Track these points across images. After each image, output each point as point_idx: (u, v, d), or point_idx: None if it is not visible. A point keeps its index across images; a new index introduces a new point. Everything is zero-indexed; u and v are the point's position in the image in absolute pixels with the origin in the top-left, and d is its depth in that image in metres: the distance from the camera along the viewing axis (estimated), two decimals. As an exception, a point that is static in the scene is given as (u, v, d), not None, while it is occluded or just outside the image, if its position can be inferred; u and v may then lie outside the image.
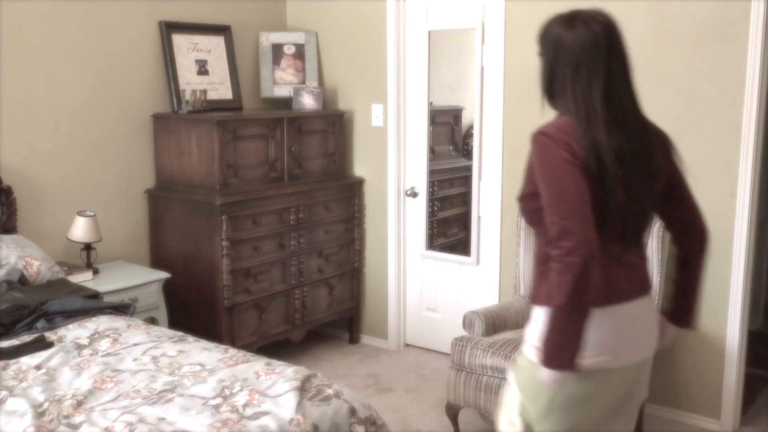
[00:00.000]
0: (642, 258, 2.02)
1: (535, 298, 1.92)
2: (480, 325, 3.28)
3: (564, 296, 1.71)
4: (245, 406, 2.17)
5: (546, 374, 1.80)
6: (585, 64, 1.90)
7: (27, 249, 3.22)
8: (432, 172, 4.38)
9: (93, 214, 3.62)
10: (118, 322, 2.86)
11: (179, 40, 4.14)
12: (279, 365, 2.45)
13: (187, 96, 4.00)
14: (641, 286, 1.97)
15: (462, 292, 4.32)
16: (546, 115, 3.87)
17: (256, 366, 2.43)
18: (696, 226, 2.22)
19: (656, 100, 3.46)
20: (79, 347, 2.61)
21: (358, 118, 4.46)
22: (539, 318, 1.86)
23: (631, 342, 1.91)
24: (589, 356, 1.81)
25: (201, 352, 2.56)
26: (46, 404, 2.17)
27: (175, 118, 3.98)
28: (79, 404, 2.19)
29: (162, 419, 2.09)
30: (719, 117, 3.32)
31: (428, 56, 4.23)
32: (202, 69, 4.24)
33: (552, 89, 1.94)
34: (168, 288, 3.80)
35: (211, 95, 4.20)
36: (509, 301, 3.54)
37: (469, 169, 4.22)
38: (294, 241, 4.13)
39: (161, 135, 4.03)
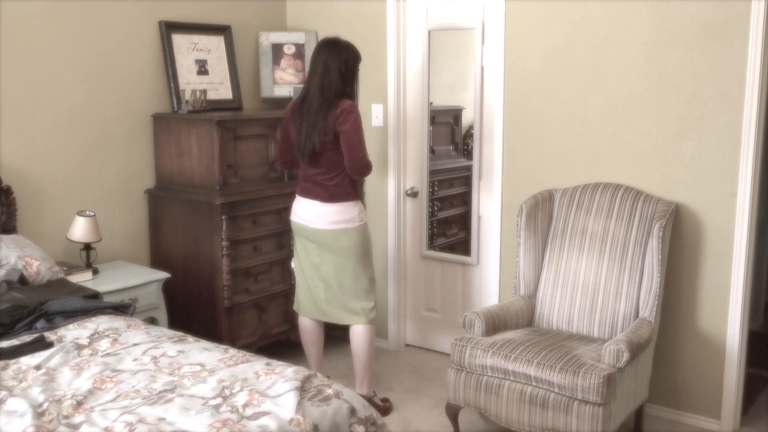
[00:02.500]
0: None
1: (343, 197, 3.49)
2: (480, 325, 3.28)
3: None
4: (245, 406, 2.17)
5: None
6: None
7: (27, 249, 3.22)
8: (432, 172, 4.38)
9: (93, 214, 3.62)
10: (117, 322, 2.86)
11: (179, 40, 4.14)
12: (279, 365, 2.45)
13: (187, 96, 4.00)
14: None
15: (462, 292, 4.32)
16: (545, 115, 3.86)
17: (256, 366, 2.42)
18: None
19: (656, 100, 3.46)
20: (79, 347, 2.61)
21: (358, 118, 4.46)
22: (350, 206, 3.52)
23: None
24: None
25: (201, 352, 2.56)
26: (46, 404, 2.17)
27: (175, 118, 3.98)
28: (79, 404, 2.19)
29: (162, 419, 2.09)
30: (719, 117, 3.32)
31: (428, 56, 4.23)
32: (202, 69, 4.24)
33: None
34: (168, 288, 3.80)
35: (211, 95, 4.20)
36: (509, 301, 3.54)
37: (469, 169, 4.22)
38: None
39: (161, 135, 4.03)
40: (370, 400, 3.54)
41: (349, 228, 3.51)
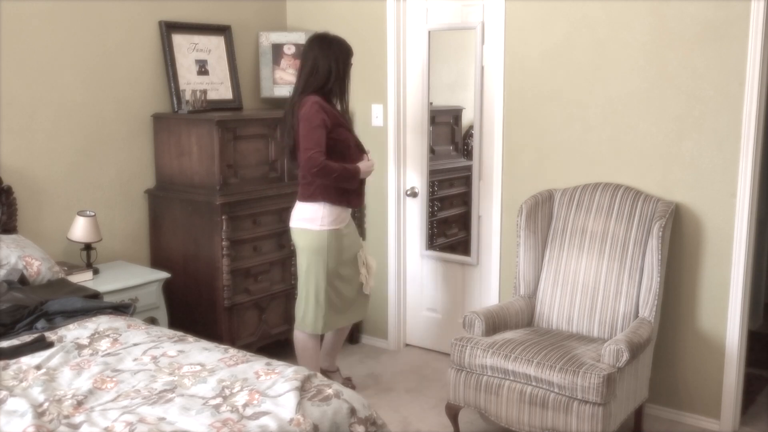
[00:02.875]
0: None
1: (311, 198, 3.41)
2: (480, 325, 3.28)
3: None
4: (245, 406, 2.17)
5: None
6: None
7: (27, 249, 3.22)
8: (432, 172, 4.38)
9: (93, 214, 3.62)
10: (118, 322, 2.86)
11: (179, 40, 4.14)
12: (279, 365, 2.45)
13: (187, 96, 4.00)
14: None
15: (462, 292, 4.32)
16: (545, 115, 3.86)
17: (256, 366, 2.43)
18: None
19: (656, 100, 3.47)
20: (79, 347, 2.61)
21: (358, 118, 4.46)
22: (316, 207, 3.41)
23: None
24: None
25: (201, 352, 2.56)
26: (46, 404, 2.17)
27: (175, 118, 3.98)
28: (79, 404, 2.19)
29: (162, 419, 2.09)
30: (719, 117, 3.32)
31: (428, 56, 4.23)
32: (202, 69, 4.24)
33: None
34: (168, 288, 3.80)
35: (211, 95, 4.20)
36: (509, 301, 3.54)
37: (469, 169, 4.22)
38: (294, 241, 4.13)
39: (161, 135, 4.03)
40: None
41: (307, 229, 3.44)
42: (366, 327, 4.60)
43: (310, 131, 3.29)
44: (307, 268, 3.50)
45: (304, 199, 3.45)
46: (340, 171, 3.35)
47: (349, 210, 3.55)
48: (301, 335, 3.60)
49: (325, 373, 3.83)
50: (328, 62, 3.41)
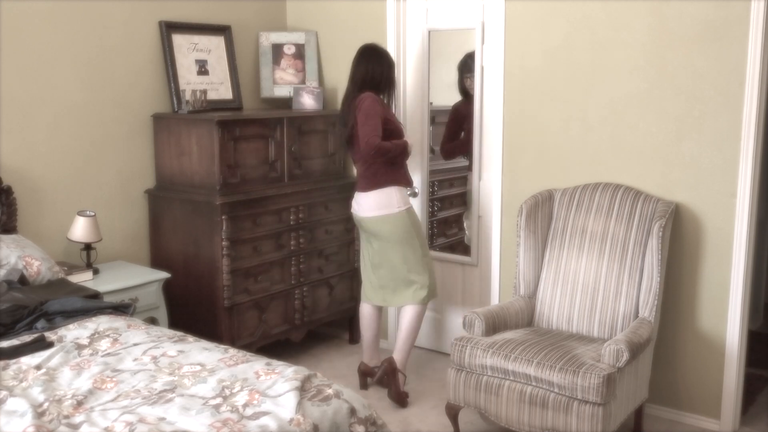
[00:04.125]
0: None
1: (378, 185, 3.72)
2: (480, 325, 3.28)
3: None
4: (245, 406, 2.17)
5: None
6: None
7: (27, 249, 3.22)
8: (432, 172, 4.38)
9: (93, 214, 3.62)
10: (118, 322, 2.86)
11: (179, 40, 4.14)
12: (279, 365, 2.45)
13: (187, 96, 4.00)
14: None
15: (462, 292, 4.32)
16: (545, 114, 3.86)
17: (256, 366, 2.43)
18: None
19: (656, 100, 3.47)
20: (79, 347, 2.61)
21: (358, 118, 4.46)
22: (386, 192, 3.71)
23: None
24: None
25: (201, 352, 2.56)
26: (46, 404, 2.17)
27: (175, 118, 3.98)
28: (79, 404, 2.19)
29: (162, 419, 2.09)
30: (719, 117, 3.32)
31: (428, 56, 4.23)
32: (202, 69, 4.25)
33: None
34: (168, 288, 3.80)
35: (211, 95, 4.20)
36: (509, 301, 3.54)
37: (469, 169, 4.22)
38: (294, 241, 4.13)
39: (161, 135, 4.03)
40: (392, 372, 3.73)
41: (388, 215, 3.71)
42: (366, 327, 4.59)
43: (367, 120, 3.63)
44: (402, 246, 3.74)
45: (372, 188, 3.73)
46: (393, 147, 3.69)
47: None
48: (419, 308, 3.80)
49: (369, 369, 3.93)
50: (381, 69, 3.75)
